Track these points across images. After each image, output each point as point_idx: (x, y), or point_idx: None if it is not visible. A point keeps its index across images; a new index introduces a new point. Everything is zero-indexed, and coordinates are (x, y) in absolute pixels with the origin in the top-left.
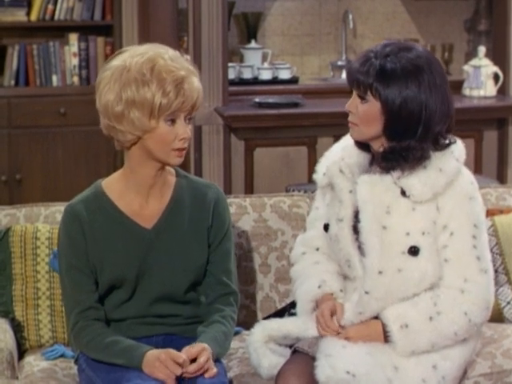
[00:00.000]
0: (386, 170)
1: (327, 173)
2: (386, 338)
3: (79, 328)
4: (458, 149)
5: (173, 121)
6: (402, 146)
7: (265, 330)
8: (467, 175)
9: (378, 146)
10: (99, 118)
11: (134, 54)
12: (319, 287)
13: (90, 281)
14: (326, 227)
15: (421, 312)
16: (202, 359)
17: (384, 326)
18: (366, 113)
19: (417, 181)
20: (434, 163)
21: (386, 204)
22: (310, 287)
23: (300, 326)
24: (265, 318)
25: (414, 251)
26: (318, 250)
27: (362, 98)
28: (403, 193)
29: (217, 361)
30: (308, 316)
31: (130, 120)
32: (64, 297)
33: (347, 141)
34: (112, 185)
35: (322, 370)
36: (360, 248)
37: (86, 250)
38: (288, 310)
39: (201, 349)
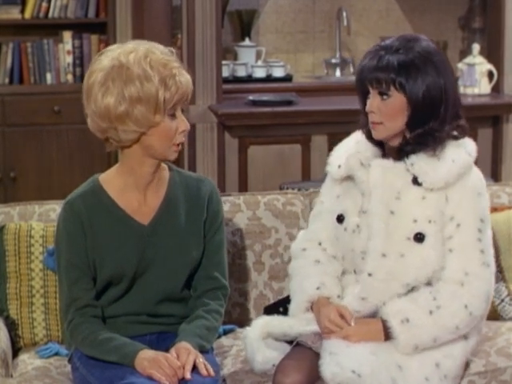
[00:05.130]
0: (401, 157)
1: (346, 165)
2: (388, 334)
3: (75, 325)
4: (471, 145)
5: (173, 115)
6: (425, 129)
7: (267, 325)
8: (477, 172)
9: (396, 142)
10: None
11: (126, 52)
12: (318, 289)
13: (87, 278)
14: (340, 218)
15: (420, 306)
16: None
17: (384, 322)
18: (391, 107)
19: (430, 169)
20: (448, 155)
21: (397, 190)
22: (308, 287)
23: (301, 322)
24: (266, 308)
25: (419, 238)
26: (320, 244)
27: (384, 93)
28: (414, 181)
29: (207, 354)
30: (301, 315)
31: (135, 117)
32: (60, 293)
33: (359, 136)
34: (110, 181)
35: (327, 367)
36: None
37: (86, 246)
38: (284, 304)
39: (184, 351)
